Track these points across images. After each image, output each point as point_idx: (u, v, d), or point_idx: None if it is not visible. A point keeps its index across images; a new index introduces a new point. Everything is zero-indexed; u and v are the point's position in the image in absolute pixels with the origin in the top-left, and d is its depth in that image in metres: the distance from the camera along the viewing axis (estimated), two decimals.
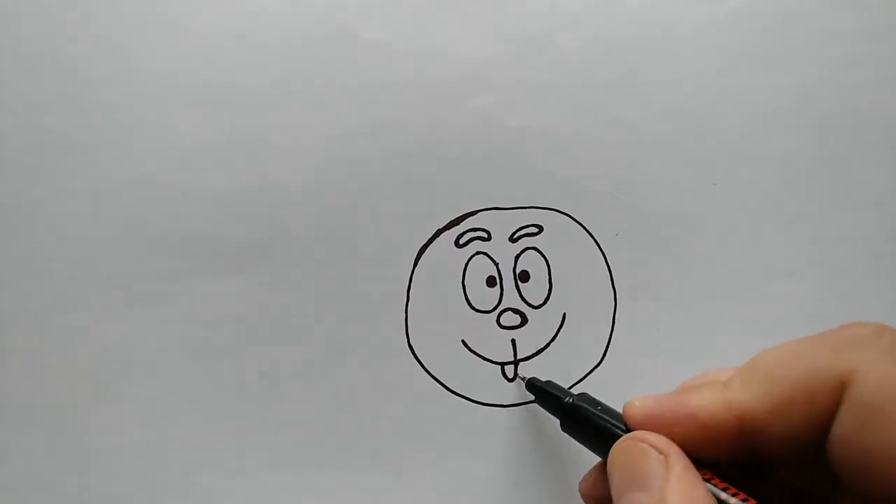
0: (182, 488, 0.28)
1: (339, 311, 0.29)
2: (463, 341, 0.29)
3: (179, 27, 0.30)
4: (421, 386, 0.28)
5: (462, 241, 0.29)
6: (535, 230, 0.29)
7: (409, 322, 0.29)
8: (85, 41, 0.30)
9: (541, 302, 0.29)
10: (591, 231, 0.29)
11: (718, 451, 0.20)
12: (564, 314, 0.29)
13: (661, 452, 0.19)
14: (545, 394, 0.26)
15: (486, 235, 0.29)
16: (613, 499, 0.20)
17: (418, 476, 0.28)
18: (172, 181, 0.30)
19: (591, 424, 0.23)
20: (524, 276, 0.29)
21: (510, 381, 0.28)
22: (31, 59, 0.30)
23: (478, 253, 0.29)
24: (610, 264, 0.29)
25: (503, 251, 0.29)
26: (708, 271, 0.29)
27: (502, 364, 0.28)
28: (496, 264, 0.29)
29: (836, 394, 0.18)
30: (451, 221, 0.29)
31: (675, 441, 0.20)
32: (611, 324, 0.28)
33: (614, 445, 0.20)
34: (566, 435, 0.23)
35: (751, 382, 0.19)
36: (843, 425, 0.18)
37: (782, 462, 0.20)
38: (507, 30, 0.29)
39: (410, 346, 0.29)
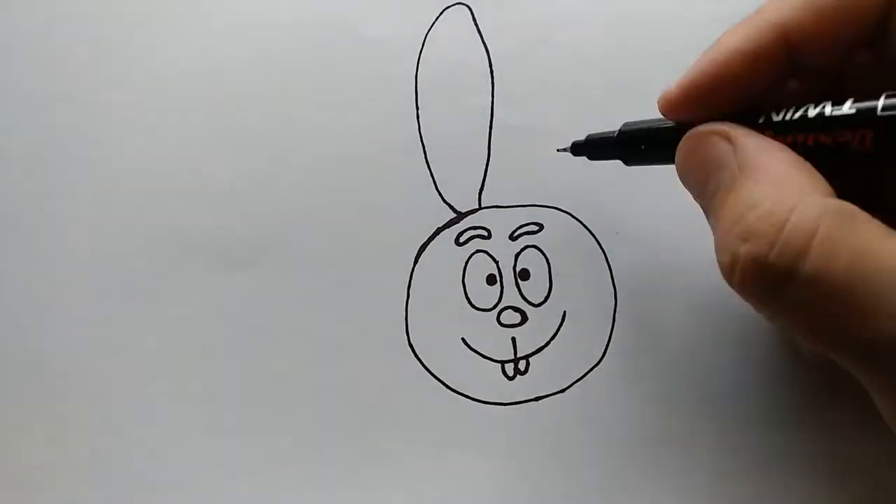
0: (182, 488, 0.28)
1: (339, 310, 0.29)
2: (463, 339, 0.28)
3: (179, 26, 0.30)
4: (421, 384, 0.28)
5: (462, 240, 0.29)
6: (535, 228, 0.29)
7: (409, 320, 0.29)
8: (84, 40, 0.30)
9: (541, 300, 0.29)
10: (591, 229, 0.29)
11: (765, 84, 0.20)
12: (564, 312, 0.29)
13: (721, 135, 0.19)
14: (594, 145, 0.25)
15: (486, 234, 0.29)
16: (697, 199, 0.20)
17: (418, 474, 0.28)
18: (172, 180, 0.30)
19: (647, 137, 0.23)
20: (524, 275, 0.29)
21: (510, 379, 0.28)
22: (31, 59, 0.30)
23: (478, 251, 0.29)
24: (610, 263, 0.29)
25: (503, 249, 0.29)
26: (709, 269, 0.29)
27: (502, 362, 0.28)
28: (496, 262, 0.29)
29: None
30: (451, 220, 0.29)
31: (720, 93, 0.20)
32: (611, 322, 0.28)
33: (677, 152, 0.21)
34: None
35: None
36: None
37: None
38: (507, 29, 0.30)
39: (410, 345, 0.28)
